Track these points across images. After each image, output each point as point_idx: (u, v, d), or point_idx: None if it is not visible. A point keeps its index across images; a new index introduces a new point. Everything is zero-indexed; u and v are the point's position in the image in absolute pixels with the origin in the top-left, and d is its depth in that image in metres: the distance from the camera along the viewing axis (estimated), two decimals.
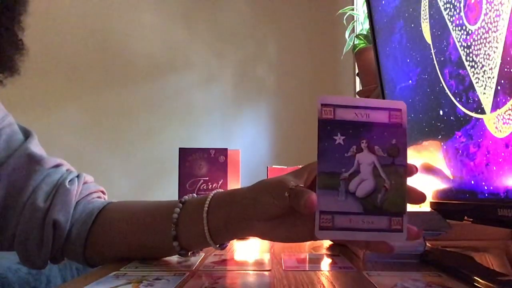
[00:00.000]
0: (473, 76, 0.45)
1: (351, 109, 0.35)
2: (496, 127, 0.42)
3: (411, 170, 0.36)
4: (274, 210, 0.40)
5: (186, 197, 0.50)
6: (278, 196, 0.39)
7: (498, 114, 0.41)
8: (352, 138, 0.35)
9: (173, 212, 0.48)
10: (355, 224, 0.34)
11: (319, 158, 0.34)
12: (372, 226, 0.34)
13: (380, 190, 0.34)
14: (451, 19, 0.50)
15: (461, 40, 0.48)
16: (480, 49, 0.44)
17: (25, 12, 0.58)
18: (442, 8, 0.52)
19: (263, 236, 0.43)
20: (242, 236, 0.46)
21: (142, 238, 0.51)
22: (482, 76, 0.43)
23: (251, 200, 0.42)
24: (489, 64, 0.42)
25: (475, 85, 0.45)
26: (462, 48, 0.47)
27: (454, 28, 0.49)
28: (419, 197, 0.37)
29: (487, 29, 0.42)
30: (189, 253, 0.50)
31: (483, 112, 0.44)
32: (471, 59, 0.46)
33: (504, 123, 0.40)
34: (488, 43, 0.42)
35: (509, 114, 0.39)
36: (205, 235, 0.45)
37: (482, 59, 0.43)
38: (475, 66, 0.45)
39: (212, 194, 0.47)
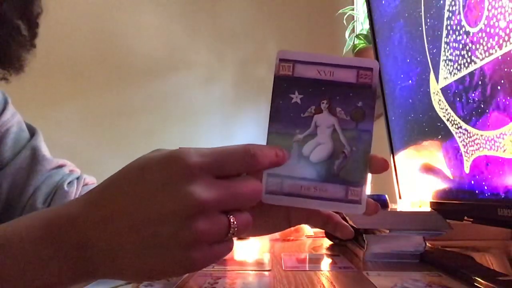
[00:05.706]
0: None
1: (314, 66, 0.32)
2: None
3: None
4: None
5: None
6: None
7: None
8: (312, 98, 0.32)
9: None
10: (306, 191, 0.31)
11: (271, 117, 0.32)
12: (325, 195, 0.31)
13: (338, 156, 0.31)
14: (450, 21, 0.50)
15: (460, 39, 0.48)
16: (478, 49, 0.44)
17: (37, 12, 0.58)
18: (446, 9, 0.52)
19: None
20: None
21: None
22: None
23: None
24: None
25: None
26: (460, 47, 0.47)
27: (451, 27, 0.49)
28: (381, 166, 0.33)
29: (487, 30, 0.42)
30: None
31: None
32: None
33: None
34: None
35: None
36: None
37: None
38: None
39: None
